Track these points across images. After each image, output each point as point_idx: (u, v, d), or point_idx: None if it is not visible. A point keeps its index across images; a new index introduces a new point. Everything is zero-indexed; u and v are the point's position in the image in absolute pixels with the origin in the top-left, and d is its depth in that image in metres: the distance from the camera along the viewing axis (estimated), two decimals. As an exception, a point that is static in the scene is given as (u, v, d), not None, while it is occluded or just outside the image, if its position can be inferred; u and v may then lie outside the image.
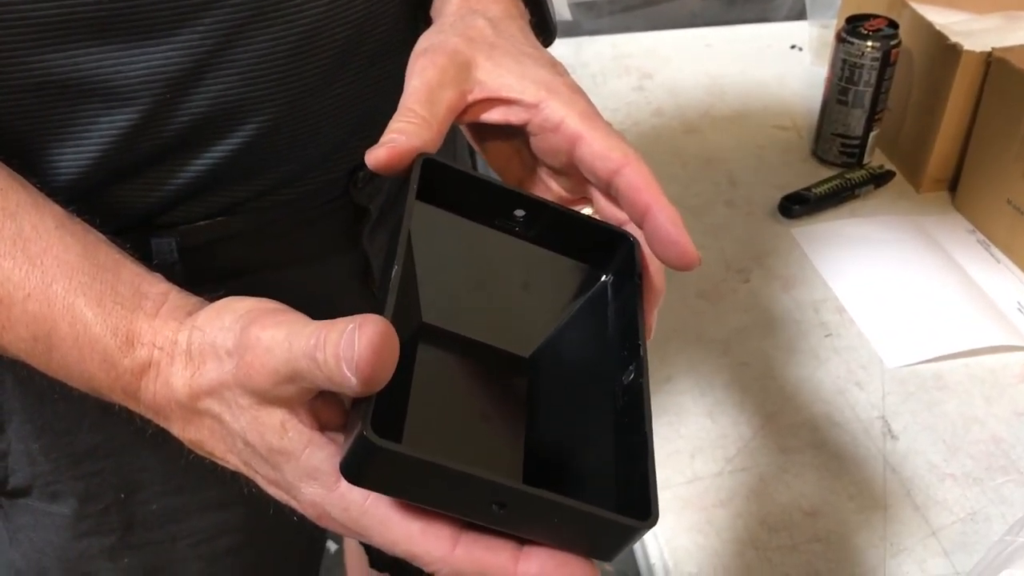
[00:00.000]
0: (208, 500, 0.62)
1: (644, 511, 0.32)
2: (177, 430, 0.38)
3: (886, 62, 0.95)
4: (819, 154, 1.03)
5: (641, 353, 0.38)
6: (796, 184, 0.97)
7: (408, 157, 0.38)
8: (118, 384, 0.37)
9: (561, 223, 0.42)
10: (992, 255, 0.91)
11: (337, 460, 0.33)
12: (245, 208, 0.54)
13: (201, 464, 0.43)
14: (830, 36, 1.01)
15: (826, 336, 0.82)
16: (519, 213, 0.42)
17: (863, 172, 0.99)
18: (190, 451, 0.39)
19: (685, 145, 1.06)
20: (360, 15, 0.52)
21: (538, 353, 0.42)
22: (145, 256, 0.51)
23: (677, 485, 0.69)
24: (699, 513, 0.67)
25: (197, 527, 0.63)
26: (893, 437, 0.73)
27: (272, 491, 0.36)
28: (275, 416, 0.34)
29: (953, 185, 0.98)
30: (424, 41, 0.44)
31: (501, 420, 0.40)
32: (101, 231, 0.46)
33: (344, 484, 0.33)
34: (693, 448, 0.72)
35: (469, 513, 0.32)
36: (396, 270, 0.34)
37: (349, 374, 0.30)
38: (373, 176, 0.58)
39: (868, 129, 0.99)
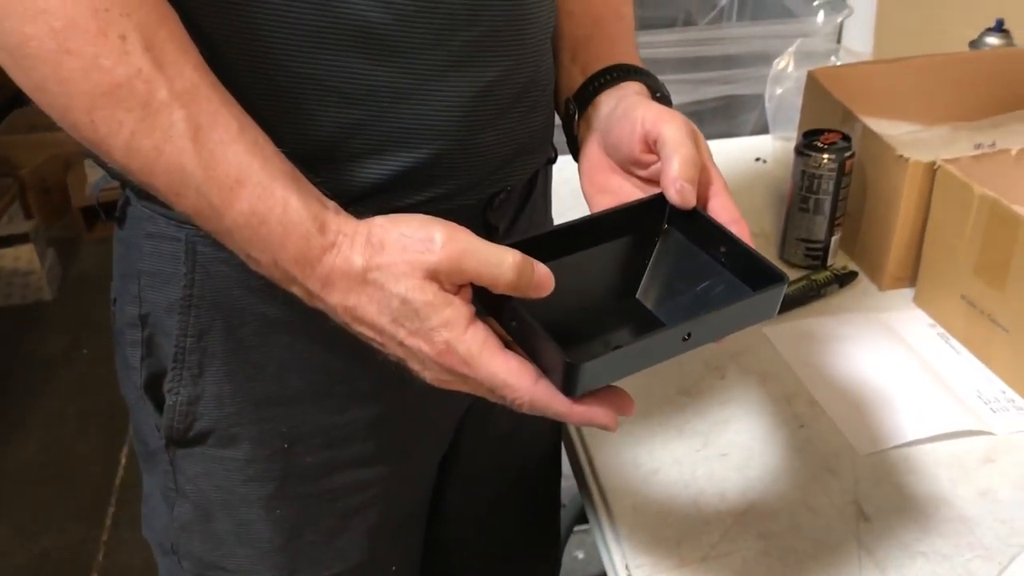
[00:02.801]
0: (353, 457, 0.72)
1: (583, 358, 0.50)
2: (337, 298, 0.53)
3: (842, 172, 1.03)
4: (786, 258, 1.10)
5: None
6: (766, 286, 1.04)
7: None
8: (306, 257, 0.52)
9: (745, 258, 0.59)
10: (951, 347, 0.98)
11: (464, 321, 0.52)
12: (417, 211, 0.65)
13: (352, 421, 0.69)
14: (791, 148, 1.09)
15: (800, 427, 0.87)
16: (723, 249, 0.60)
17: (828, 273, 1.06)
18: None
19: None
20: (532, 68, 0.66)
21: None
22: None
23: (665, 571, 0.73)
24: (687, 596, 0.71)
25: (337, 483, 0.73)
26: (866, 520, 0.78)
27: (411, 341, 0.53)
28: (433, 285, 0.51)
29: (912, 283, 1.06)
30: (650, 110, 0.63)
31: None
32: None
33: (470, 332, 0.52)
34: (679, 535, 0.76)
35: (503, 321, 0.54)
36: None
37: (528, 289, 0.52)
38: (505, 200, 0.71)
39: (830, 233, 1.07)
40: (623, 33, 0.74)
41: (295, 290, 0.55)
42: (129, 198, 0.67)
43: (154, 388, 0.69)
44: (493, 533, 0.96)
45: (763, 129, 1.40)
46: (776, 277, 0.57)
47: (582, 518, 1.44)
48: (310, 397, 0.68)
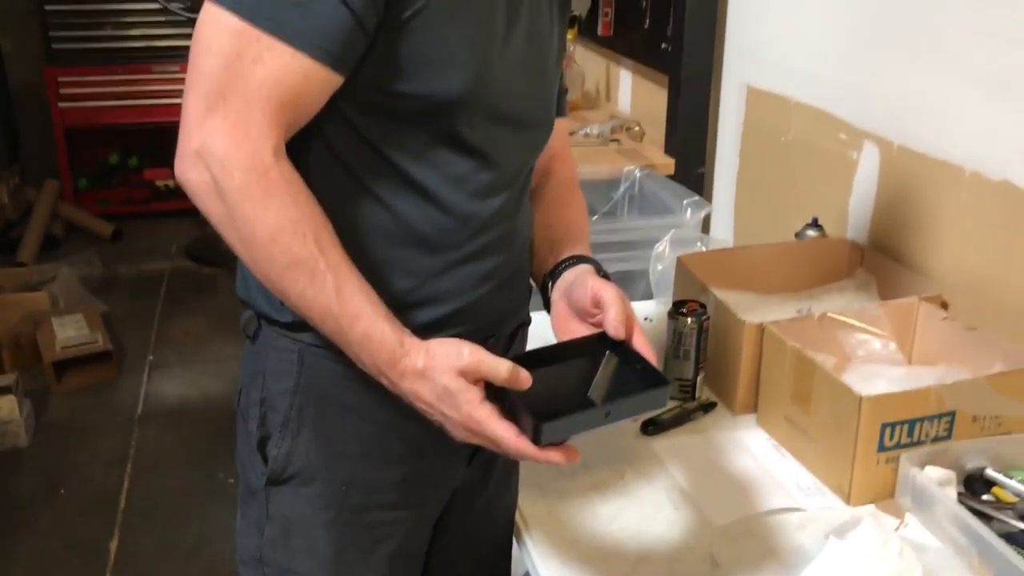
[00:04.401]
0: (384, 501, 1.09)
1: (543, 421, 0.87)
2: (406, 385, 0.91)
3: (701, 330, 1.46)
4: (666, 392, 1.51)
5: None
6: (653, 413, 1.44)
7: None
8: (391, 359, 0.90)
9: (652, 372, 0.97)
10: (780, 453, 1.39)
11: (478, 400, 0.89)
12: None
13: (387, 477, 1.07)
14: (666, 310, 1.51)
15: (675, 508, 1.26)
16: (639, 367, 0.98)
17: (696, 403, 1.47)
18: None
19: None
20: (517, 262, 1.11)
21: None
22: None
23: (585, 599, 1.10)
24: (600, 615, 1.08)
25: (373, 518, 1.09)
26: (718, 566, 1.16)
27: (448, 411, 0.90)
28: (462, 379, 0.88)
29: (755, 409, 1.47)
30: (596, 282, 1.04)
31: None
32: None
33: (481, 407, 0.89)
34: (594, 578, 1.14)
35: (501, 402, 0.89)
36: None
37: (515, 383, 0.88)
38: (495, 344, 1.08)
39: (696, 374, 1.48)
40: (581, 237, 1.17)
41: (383, 380, 0.93)
42: (261, 324, 1.05)
43: (262, 446, 1.06)
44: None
45: (649, 296, 1.83)
46: (664, 382, 0.97)
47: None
48: (362, 457, 1.06)
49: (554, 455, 0.90)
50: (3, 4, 4.42)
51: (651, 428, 1.42)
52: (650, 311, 1.78)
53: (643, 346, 1.01)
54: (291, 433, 1.04)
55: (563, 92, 1.22)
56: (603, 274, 1.10)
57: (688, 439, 1.42)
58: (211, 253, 4.11)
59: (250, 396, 1.07)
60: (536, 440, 0.89)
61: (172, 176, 0.95)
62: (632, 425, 1.43)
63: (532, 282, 1.18)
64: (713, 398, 1.51)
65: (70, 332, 3.23)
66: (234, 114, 0.88)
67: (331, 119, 0.95)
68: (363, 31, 0.90)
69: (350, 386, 1.01)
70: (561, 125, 1.22)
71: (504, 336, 1.13)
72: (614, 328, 0.99)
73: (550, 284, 1.12)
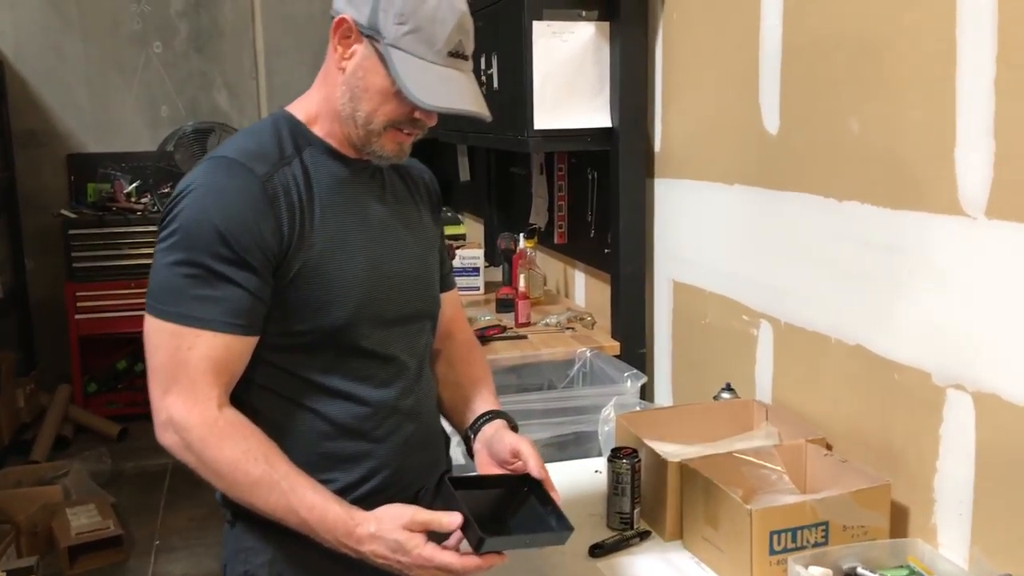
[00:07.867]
0: None
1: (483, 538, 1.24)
2: (367, 547, 1.24)
3: (635, 471, 1.83)
4: (609, 524, 1.85)
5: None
6: (598, 539, 1.78)
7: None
8: (347, 531, 1.23)
9: (559, 512, 1.34)
10: (701, 568, 1.72)
11: (423, 542, 1.23)
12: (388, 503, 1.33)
13: None
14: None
15: (614, 608, 1.59)
16: (549, 508, 1.35)
17: (633, 532, 1.82)
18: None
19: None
20: (427, 427, 1.47)
21: (511, 522, 1.30)
22: None
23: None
24: None
25: None
26: (646, 646, 1.48)
27: (402, 558, 1.23)
28: (406, 531, 1.23)
29: (681, 536, 1.81)
30: (512, 437, 1.43)
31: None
32: None
33: (428, 546, 1.23)
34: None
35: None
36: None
37: (452, 529, 1.24)
38: (423, 496, 1.40)
39: (632, 508, 1.84)
40: (488, 392, 1.55)
41: (345, 551, 1.24)
42: (236, 517, 1.38)
43: None
44: None
45: (599, 453, 2.19)
46: (569, 528, 1.32)
47: None
48: None
49: (492, 559, 1.24)
50: (35, 232, 4.97)
51: (597, 551, 1.75)
52: (600, 465, 2.14)
53: (552, 490, 1.36)
54: None
55: (448, 272, 1.64)
56: (512, 426, 1.47)
57: (627, 560, 1.76)
58: (210, 447, 4.44)
59: (235, 569, 1.41)
60: (478, 548, 1.22)
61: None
62: (582, 549, 1.77)
63: (454, 431, 1.56)
64: (647, 527, 1.85)
65: (83, 520, 3.51)
66: (184, 389, 1.25)
67: (257, 364, 1.34)
68: (261, 301, 1.30)
69: (312, 554, 1.32)
70: (451, 296, 1.63)
71: (431, 486, 1.49)
72: (537, 472, 1.36)
73: (472, 437, 1.49)
